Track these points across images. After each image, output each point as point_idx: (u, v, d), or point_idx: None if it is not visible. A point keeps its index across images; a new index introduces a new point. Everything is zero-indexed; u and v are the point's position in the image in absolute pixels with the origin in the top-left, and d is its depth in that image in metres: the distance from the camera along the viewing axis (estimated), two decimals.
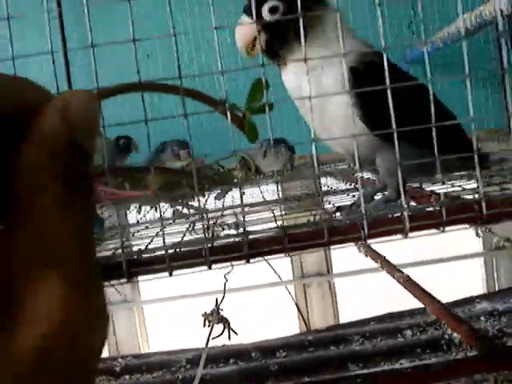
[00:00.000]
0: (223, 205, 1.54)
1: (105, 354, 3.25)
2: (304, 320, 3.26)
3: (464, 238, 3.29)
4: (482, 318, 2.57)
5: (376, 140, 0.76)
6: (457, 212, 0.64)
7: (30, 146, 0.26)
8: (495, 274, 3.42)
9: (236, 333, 1.88)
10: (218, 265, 0.68)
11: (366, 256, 1.29)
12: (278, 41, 0.78)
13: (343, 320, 3.20)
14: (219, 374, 2.33)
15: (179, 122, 0.82)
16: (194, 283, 3.53)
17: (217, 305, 1.85)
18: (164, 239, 0.70)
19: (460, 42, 2.39)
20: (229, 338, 1.87)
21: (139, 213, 1.40)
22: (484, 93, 2.85)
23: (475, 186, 0.86)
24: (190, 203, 1.64)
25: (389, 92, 0.61)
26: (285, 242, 0.67)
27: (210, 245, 0.67)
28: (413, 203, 0.85)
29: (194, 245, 0.70)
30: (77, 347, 0.25)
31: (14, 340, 0.24)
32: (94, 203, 0.24)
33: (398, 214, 0.62)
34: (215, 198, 1.56)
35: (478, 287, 3.47)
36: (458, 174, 0.93)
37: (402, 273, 1.05)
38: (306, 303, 3.30)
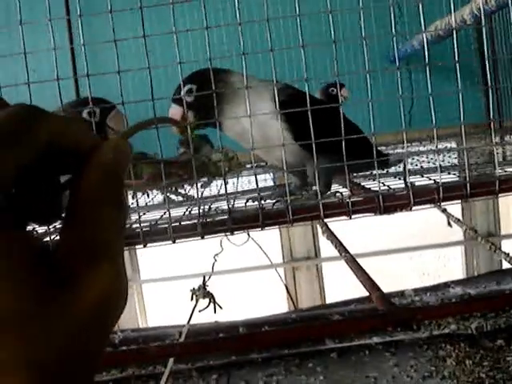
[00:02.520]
0: (218, 192, 1.75)
1: None
2: (293, 301, 3.46)
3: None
4: (453, 300, 2.77)
5: (305, 153, 0.98)
6: (362, 203, 0.84)
7: (93, 170, 0.37)
8: (475, 262, 3.59)
9: (221, 307, 2.06)
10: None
11: (328, 237, 1.49)
12: (206, 112, 1.02)
13: (329, 302, 3.40)
14: None
15: None
16: (190, 265, 3.74)
17: (204, 281, 2.04)
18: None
19: (435, 44, 2.55)
20: (214, 311, 2.04)
21: (133, 198, 1.59)
22: (464, 90, 3.00)
23: (397, 182, 1.05)
24: (179, 191, 1.84)
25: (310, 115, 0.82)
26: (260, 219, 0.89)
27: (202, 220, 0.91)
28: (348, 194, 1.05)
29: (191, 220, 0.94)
30: (115, 313, 0.35)
31: (68, 308, 0.31)
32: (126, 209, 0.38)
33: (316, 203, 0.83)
34: (201, 186, 1.74)
35: (458, 273, 3.66)
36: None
37: (348, 253, 1.25)
38: (294, 285, 3.49)
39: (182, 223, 0.92)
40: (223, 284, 3.74)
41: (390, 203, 0.84)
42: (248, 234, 2.74)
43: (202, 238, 0.88)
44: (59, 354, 0.30)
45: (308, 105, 0.84)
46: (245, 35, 0.88)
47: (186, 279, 3.45)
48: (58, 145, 0.36)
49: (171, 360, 1.65)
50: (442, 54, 2.85)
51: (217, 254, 2.48)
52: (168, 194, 1.77)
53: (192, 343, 1.61)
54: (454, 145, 2.66)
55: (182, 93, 1.04)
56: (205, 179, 1.80)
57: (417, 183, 1.06)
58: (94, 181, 0.36)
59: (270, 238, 3.40)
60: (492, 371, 2.12)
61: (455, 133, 2.45)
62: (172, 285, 3.63)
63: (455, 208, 3.42)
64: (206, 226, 0.88)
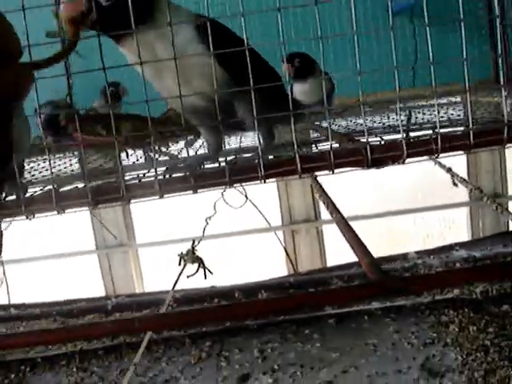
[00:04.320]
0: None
1: (102, 294, 3.41)
2: (292, 264, 3.36)
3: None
4: (458, 265, 2.67)
5: (234, 85, 0.84)
6: (346, 155, 0.72)
7: None
8: (480, 223, 3.49)
9: (211, 272, 1.96)
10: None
11: (320, 197, 1.38)
12: (117, 20, 0.82)
13: (330, 265, 3.30)
14: None
15: None
16: (188, 228, 3.65)
17: (192, 245, 1.93)
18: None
19: None
20: (204, 276, 1.95)
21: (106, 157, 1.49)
22: (470, 43, 2.86)
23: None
24: (162, 149, 1.72)
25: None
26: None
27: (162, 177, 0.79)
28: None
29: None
30: None
31: None
32: None
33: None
34: (185, 144, 1.63)
35: (463, 235, 3.55)
36: None
37: (340, 214, 1.14)
38: (294, 248, 3.40)
39: (142, 181, 0.80)
40: (221, 247, 3.66)
41: (379, 155, 0.72)
42: (246, 197, 2.64)
43: (161, 197, 0.76)
44: None
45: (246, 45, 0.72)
46: None
47: (183, 243, 3.37)
48: None
49: (149, 332, 1.56)
50: (446, 5, 2.68)
51: (209, 217, 2.38)
52: (149, 153, 1.65)
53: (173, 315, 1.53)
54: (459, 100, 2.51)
55: None
56: (190, 137, 1.68)
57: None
58: None
59: (268, 200, 3.30)
60: (497, 338, 2.02)
61: (460, 89, 2.31)
62: (169, 248, 3.54)
63: (460, 168, 3.30)
64: (166, 184, 0.76)
